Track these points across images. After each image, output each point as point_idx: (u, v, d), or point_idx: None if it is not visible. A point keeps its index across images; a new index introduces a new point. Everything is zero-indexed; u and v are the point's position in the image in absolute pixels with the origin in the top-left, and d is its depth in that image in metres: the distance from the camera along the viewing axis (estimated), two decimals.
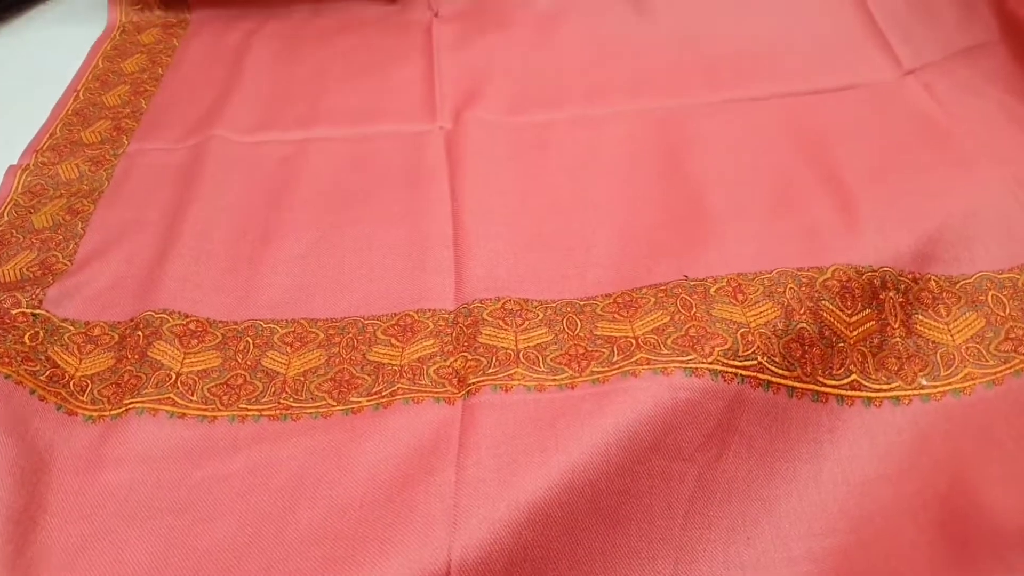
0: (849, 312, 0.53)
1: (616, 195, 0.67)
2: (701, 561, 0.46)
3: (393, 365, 0.55)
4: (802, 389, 0.50)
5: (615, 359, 0.52)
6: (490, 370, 0.52)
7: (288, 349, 0.57)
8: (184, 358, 0.56)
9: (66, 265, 0.63)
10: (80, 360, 0.56)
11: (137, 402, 0.52)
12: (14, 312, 0.57)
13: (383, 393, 0.53)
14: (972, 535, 0.46)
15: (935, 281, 0.55)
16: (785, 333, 0.51)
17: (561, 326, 0.55)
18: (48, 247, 0.65)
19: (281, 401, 0.53)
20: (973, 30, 0.75)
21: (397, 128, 0.76)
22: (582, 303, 0.57)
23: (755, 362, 0.50)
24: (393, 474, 0.48)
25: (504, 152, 0.72)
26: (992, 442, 0.48)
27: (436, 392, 0.52)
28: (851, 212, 0.60)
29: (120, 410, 0.52)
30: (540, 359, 0.53)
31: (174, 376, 0.54)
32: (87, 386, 0.54)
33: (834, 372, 0.51)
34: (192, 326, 0.58)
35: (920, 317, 0.53)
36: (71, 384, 0.54)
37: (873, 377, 0.51)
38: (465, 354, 0.54)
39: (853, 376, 0.51)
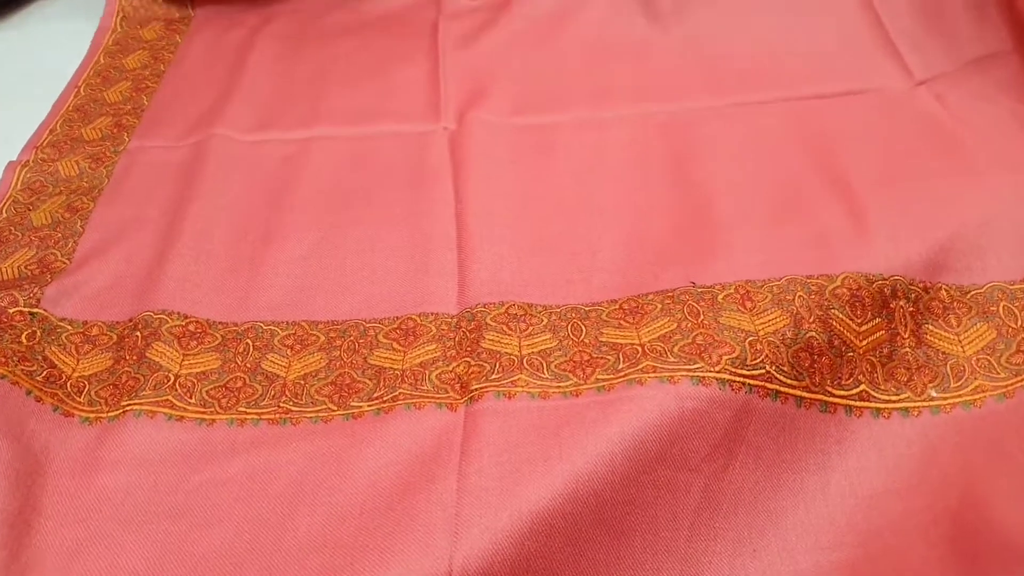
0: (859, 321, 0.52)
1: (622, 199, 0.66)
2: (706, 574, 0.46)
3: (395, 369, 0.54)
4: (811, 399, 0.49)
5: (621, 367, 0.51)
6: (493, 376, 0.51)
7: (288, 352, 0.56)
8: (183, 360, 0.55)
9: (65, 263, 0.63)
10: (78, 360, 0.55)
11: (135, 404, 0.52)
12: (11, 311, 0.57)
13: (384, 398, 0.52)
14: (982, 550, 0.45)
15: (946, 291, 0.54)
16: (794, 342, 0.50)
17: (566, 332, 0.54)
18: (47, 245, 0.64)
19: (281, 405, 0.53)
20: (985, 40, 0.74)
21: (401, 128, 0.76)
22: (587, 309, 0.56)
23: (763, 371, 0.49)
24: (394, 481, 0.47)
25: (508, 154, 0.71)
26: (1003, 456, 0.47)
27: (438, 398, 0.51)
28: (860, 219, 0.59)
29: (117, 412, 0.52)
30: (544, 365, 0.52)
31: (172, 378, 0.54)
32: (84, 387, 0.54)
33: (843, 382, 0.50)
34: (191, 327, 0.57)
35: (930, 327, 0.52)
36: (68, 385, 0.54)
37: (882, 388, 0.50)
38: (468, 359, 0.53)
39: (862, 386, 0.50)
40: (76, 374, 0.55)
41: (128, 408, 0.51)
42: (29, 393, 0.52)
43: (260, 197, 0.68)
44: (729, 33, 0.82)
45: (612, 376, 0.50)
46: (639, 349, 0.52)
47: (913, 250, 0.55)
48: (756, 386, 0.49)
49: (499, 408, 0.50)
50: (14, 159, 0.73)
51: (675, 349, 0.51)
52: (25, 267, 0.62)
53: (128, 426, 0.51)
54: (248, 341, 0.57)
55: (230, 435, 0.51)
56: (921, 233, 0.57)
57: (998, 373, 0.50)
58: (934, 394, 0.50)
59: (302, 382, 0.54)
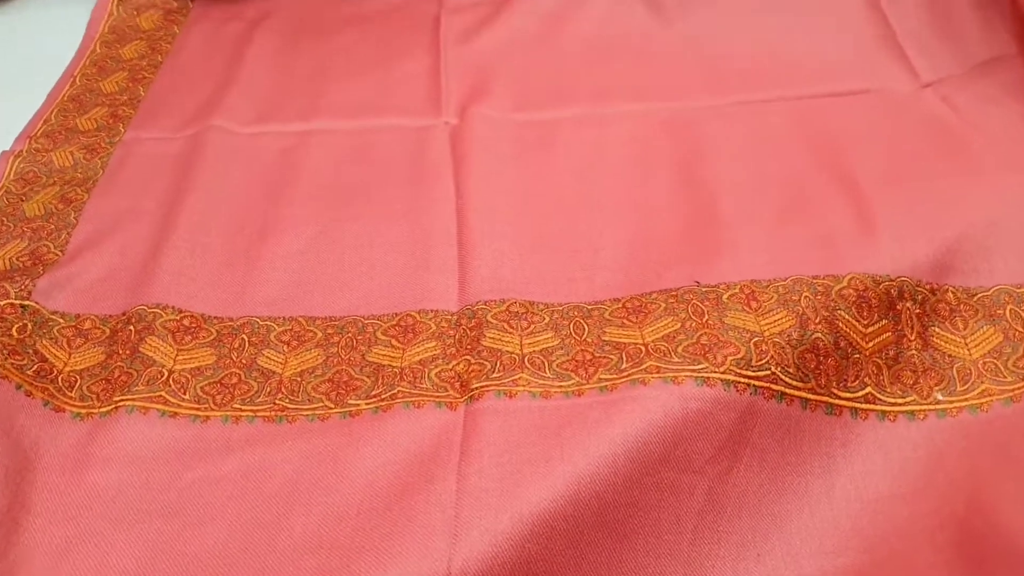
0: (865, 322, 0.51)
1: (624, 197, 0.65)
2: None
3: (393, 367, 0.53)
4: (816, 401, 0.49)
5: (624, 366, 0.50)
6: (494, 375, 0.51)
7: (285, 348, 0.55)
8: (177, 355, 0.54)
9: (57, 255, 0.62)
10: (69, 354, 0.54)
11: (127, 399, 0.51)
12: (2, 303, 0.56)
13: (382, 396, 0.51)
14: (989, 555, 0.44)
15: (953, 293, 0.53)
16: (800, 343, 0.50)
17: (568, 330, 0.54)
18: (39, 236, 0.63)
19: (277, 402, 0.52)
20: (992, 43, 0.74)
21: (401, 122, 0.75)
22: (590, 307, 0.55)
23: (768, 372, 0.48)
24: (392, 481, 0.46)
25: (510, 150, 0.71)
26: (1010, 460, 0.47)
27: (437, 396, 0.51)
28: (866, 219, 0.58)
29: (109, 407, 0.51)
30: (546, 364, 0.51)
31: (166, 373, 0.53)
32: (76, 382, 0.53)
33: (849, 384, 0.49)
34: (186, 322, 0.56)
35: (937, 329, 0.52)
36: (59, 379, 0.53)
37: (888, 390, 0.49)
38: (468, 357, 0.52)
39: (868, 389, 0.49)
40: (68, 368, 0.53)
41: (120, 404, 0.50)
42: (19, 387, 0.51)
43: (258, 190, 0.68)
44: (733, 31, 0.81)
45: (615, 376, 0.49)
46: (642, 349, 0.51)
47: (920, 251, 0.55)
48: (761, 387, 0.48)
49: (500, 407, 0.49)
50: (7, 149, 0.72)
51: (679, 349, 0.50)
52: (17, 259, 0.61)
53: (120, 422, 0.50)
54: (244, 337, 0.56)
55: (224, 432, 0.50)
56: (928, 234, 0.56)
57: (1005, 377, 0.49)
58: (940, 397, 0.49)
59: (299, 379, 0.53)
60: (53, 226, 0.64)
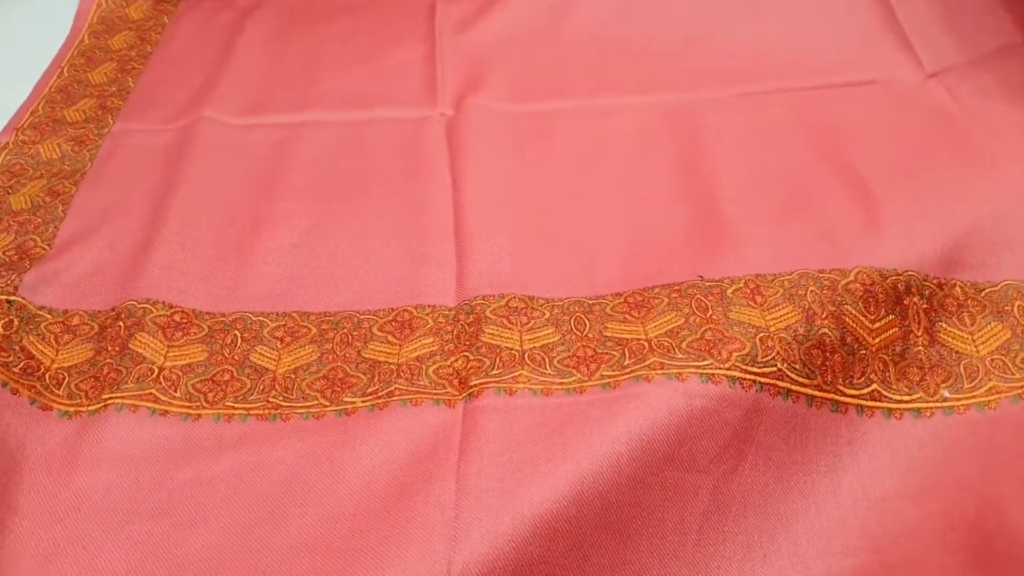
0: (872, 318, 0.50)
1: (624, 191, 0.64)
2: None
3: (390, 364, 0.52)
4: (822, 398, 0.48)
5: (626, 362, 0.49)
6: (493, 371, 0.49)
7: (278, 344, 0.54)
8: (167, 351, 0.53)
9: (44, 249, 0.60)
10: (57, 351, 0.53)
11: (116, 397, 0.50)
12: None
13: (379, 393, 0.50)
14: (1002, 559, 0.43)
15: (960, 288, 0.52)
16: (806, 339, 0.49)
17: (569, 326, 0.52)
18: (26, 230, 0.62)
19: (270, 400, 0.51)
20: (996, 33, 0.73)
21: (396, 113, 0.73)
22: (591, 302, 0.54)
23: (775, 369, 0.47)
24: (389, 481, 0.45)
25: (507, 141, 0.69)
26: (1019, 459, 0.46)
27: (435, 394, 0.49)
28: (872, 213, 0.57)
29: (98, 406, 0.49)
30: (546, 361, 0.50)
31: (156, 370, 0.51)
32: (64, 379, 0.51)
33: (855, 381, 0.48)
34: (177, 317, 0.55)
35: (944, 325, 0.51)
36: (47, 377, 0.51)
37: (894, 387, 0.48)
38: (467, 354, 0.51)
39: (874, 386, 0.48)
40: (55, 365, 0.52)
41: (110, 402, 0.49)
42: (5, 385, 0.50)
43: (250, 183, 0.66)
44: (737, 22, 0.80)
45: (618, 372, 0.48)
46: (645, 345, 0.50)
47: (927, 245, 0.54)
48: (767, 384, 0.47)
49: (499, 405, 0.48)
50: None
51: (683, 345, 0.49)
52: (3, 253, 0.60)
53: (109, 421, 0.49)
54: (236, 332, 0.55)
55: (216, 431, 0.49)
56: (935, 227, 0.55)
57: (1013, 374, 0.48)
58: (947, 395, 0.48)
59: (293, 376, 0.52)
60: (40, 219, 0.63)
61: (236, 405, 0.50)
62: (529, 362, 0.50)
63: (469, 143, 0.68)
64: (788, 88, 0.72)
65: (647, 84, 0.75)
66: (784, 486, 0.46)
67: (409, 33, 0.82)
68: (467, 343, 0.52)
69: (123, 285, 0.57)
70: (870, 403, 0.48)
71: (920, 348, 0.50)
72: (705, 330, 0.50)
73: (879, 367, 0.49)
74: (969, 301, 0.52)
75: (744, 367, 0.47)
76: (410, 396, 0.49)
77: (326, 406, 0.50)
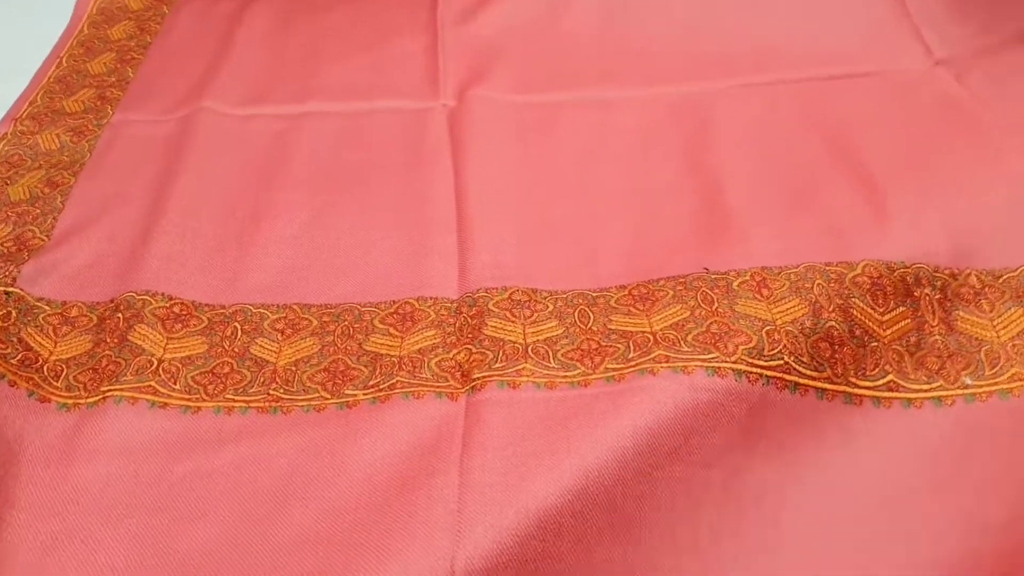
0: (881, 310, 0.50)
1: (628, 182, 0.63)
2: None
3: (391, 356, 0.51)
4: (833, 391, 0.47)
5: (631, 355, 0.48)
6: (496, 365, 0.49)
7: (279, 336, 0.53)
8: (167, 343, 0.52)
9: (43, 240, 0.60)
10: (55, 343, 0.53)
11: (115, 390, 0.49)
12: None
13: (381, 386, 0.49)
14: None
15: (976, 276, 0.51)
16: (813, 331, 0.48)
17: (572, 319, 0.52)
18: (24, 221, 0.61)
19: (271, 392, 0.50)
20: (1005, 20, 0.72)
21: (398, 104, 0.73)
22: (595, 294, 0.54)
23: (781, 362, 0.47)
24: (391, 475, 0.45)
25: (511, 133, 0.69)
26: None
27: (438, 387, 0.49)
28: (879, 205, 0.57)
29: (97, 398, 0.49)
30: (550, 354, 0.49)
31: (156, 362, 0.51)
32: (62, 371, 0.51)
33: (868, 372, 0.48)
34: (176, 309, 0.54)
35: (961, 313, 0.50)
36: (45, 369, 0.51)
37: (912, 377, 0.47)
38: (469, 347, 0.51)
39: (890, 376, 0.47)
40: (53, 357, 0.52)
41: (108, 394, 0.49)
42: (3, 377, 0.50)
43: (250, 173, 0.66)
44: (742, 13, 0.79)
45: (622, 365, 0.48)
46: (650, 337, 0.49)
47: (936, 236, 0.54)
48: (774, 377, 0.47)
49: (503, 398, 0.47)
50: None
51: (688, 338, 0.48)
52: (1, 244, 0.59)
53: (108, 413, 0.48)
54: (236, 324, 0.54)
55: (216, 424, 0.48)
56: (943, 218, 0.55)
57: None
58: (968, 381, 0.47)
59: (293, 368, 0.51)
60: (39, 210, 0.62)
61: (236, 398, 0.50)
62: (533, 355, 0.49)
63: (471, 134, 0.67)
64: (794, 78, 0.72)
65: (651, 75, 0.74)
66: (799, 480, 0.45)
67: (411, 23, 0.81)
68: (470, 336, 0.51)
69: (122, 277, 0.57)
70: (887, 394, 0.47)
71: (937, 337, 0.49)
72: (711, 323, 0.49)
73: (893, 358, 0.48)
74: (987, 288, 0.51)
75: (750, 360, 0.46)
76: (412, 389, 0.49)
77: (327, 399, 0.49)
